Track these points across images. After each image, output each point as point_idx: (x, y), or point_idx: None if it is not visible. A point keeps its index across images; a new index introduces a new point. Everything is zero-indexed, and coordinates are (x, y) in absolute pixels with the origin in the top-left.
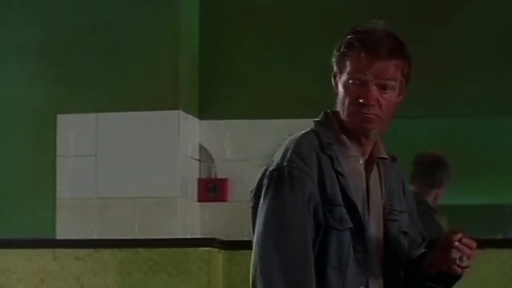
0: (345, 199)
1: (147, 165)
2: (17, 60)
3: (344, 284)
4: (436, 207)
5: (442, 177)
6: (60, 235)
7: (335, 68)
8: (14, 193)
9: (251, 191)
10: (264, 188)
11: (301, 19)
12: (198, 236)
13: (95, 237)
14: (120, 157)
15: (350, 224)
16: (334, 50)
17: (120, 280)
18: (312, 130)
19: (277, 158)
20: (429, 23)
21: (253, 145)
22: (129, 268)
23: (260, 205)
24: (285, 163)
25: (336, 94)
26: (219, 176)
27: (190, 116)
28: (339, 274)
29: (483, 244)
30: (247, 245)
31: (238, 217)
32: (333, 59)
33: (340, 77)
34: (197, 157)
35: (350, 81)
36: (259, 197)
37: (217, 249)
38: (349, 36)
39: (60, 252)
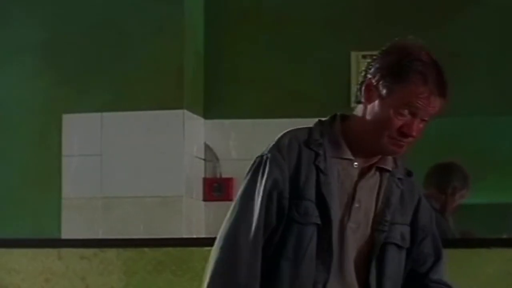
0: (318, 195)
1: (152, 165)
2: (22, 60)
3: (296, 277)
4: (445, 211)
5: (454, 184)
6: (65, 234)
7: (382, 87)
8: (19, 192)
9: None
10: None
11: (305, 19)
12: (203, 236)
13: (100, 236)
14: (125, 157)
15: (317, 220)
16: (382, 66)
17: (125, 280)
18: (308, 127)
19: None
20: (431, 22)
21: (258, 145)
22: (134, 267)
23: None
24: (265, 152)
25: (364, 102)
26: (224, 176)
27: (195, 116)
28: (292, 266)
29: (488, 243)
30: None
31: None
32: (381, 77)
33: (385, 98)
34: (202, 157)
35: (400, 111)
36: None
37: None
38: (408, 62)
39: (65, 251)
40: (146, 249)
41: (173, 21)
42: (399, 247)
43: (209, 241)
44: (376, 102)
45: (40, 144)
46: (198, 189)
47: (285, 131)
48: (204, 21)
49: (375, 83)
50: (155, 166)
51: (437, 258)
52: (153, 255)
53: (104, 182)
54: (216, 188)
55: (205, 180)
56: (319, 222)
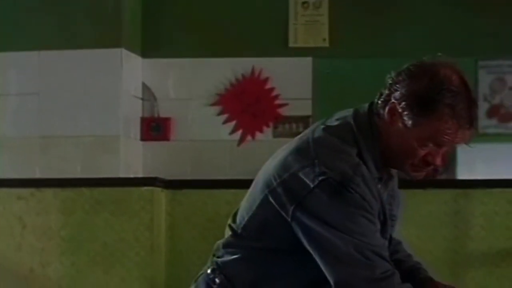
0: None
1: (90, 104)
2: None
3: None
4: None
5: None
6: (2, 174)
7: (407, 118)
8: None
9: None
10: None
11: None
12: (140, 175)
13: (37, 176)
14: (62, 96)
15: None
16: (408, 93)
17: (63, 219)
18: (357, 154)
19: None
20: None
21: (196, 84)
22: (71, 207)
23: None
24: (350, 188)
25: (386, 122)
26: (162, 115)
27: (133, 55)
28: None
29: (424, 184)
30: (189, 184)
31: (180, 156)
32: (407, 106)
33: (410, 129)
34: (140, 96)
35: (425, 143)
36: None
37: (159, 188)
38: (436, 94)
39: (2, 191)
40: (84, 189)
41: None
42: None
43: (147, 181)
44: (400, 128)
45: None
46: (136, 128)
47: (340, 151)
48: None
49: (400, 110)
50: (93, 105)
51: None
52: (91, 194)
53: (41, 121)
54: (154, 128)
55: (142, 119)
56: None
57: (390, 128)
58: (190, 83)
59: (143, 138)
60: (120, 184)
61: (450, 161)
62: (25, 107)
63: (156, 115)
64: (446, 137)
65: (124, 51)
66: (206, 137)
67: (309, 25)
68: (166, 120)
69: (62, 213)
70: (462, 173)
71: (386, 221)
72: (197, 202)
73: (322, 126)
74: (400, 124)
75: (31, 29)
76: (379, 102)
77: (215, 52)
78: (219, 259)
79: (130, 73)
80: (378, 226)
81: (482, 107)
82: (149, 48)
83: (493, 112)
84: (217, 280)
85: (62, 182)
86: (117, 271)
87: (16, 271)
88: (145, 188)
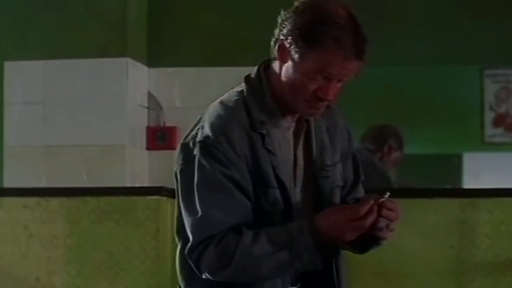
0: (276, 179)
1: (95, 113)
2: None
3: None
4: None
5: (390, 143)
6: (8, 183)
7: (294, 52)
8: None
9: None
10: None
11: None
12: (146, 185)
13: (43, 185)
14: (68, 105)
15: (282, 206)
16: (294, 27)
17: (69, 228)
18: (241, 99)
19: (205, 129)
20: None
21: (202, 93)
22: (77, 216)
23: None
24: (211, 140)
25: (278, 59)
26: (167, 124)
27: (138, 64)
28: None
29: (430, 193)
30: None
31: None
32: (293, 41)
33: (297, 63)
34: (146, 105)
35: (313, 76)
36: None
37: (165, 198)
38: (320, 26)
39: (8, 200)
40: (89, 198)
41: None
42: (340, 187)
43: (152, 190)
44: (289, 64)
45: None
46: (142, 137)
47: (220, 111)
48: None
49: (287, 46)
50: (98, 114)
51: (356, 179)
52: (97, 204)
53: (46, 130)
54: (159, 137)
55: (148, 128)
56: (283, 207)
57: (282, 67)
58: (196, 92)
59: (149, 147)
60: (125, 194)
61: (456, 171)
62: (30, 116)
63: (162, 124)
64: (333, 68)
65: (129, 60)
66: None
67: None
68: (172, 129)
69: (68, 222)
70: (468, 182)
71: (261, 171)
72: None
73: None
74: (289, 60)
75: (36, 38)
76: (272, 44)
77: (220, 61)
78: None
79: (135, 82)
80: (246, 181)
81: (488, 116)
82: (155, 57)
83: (499, 121)
84: None
85: (68, 191)
86: (122, 280)
87: (22, 280)
88: (151, 197)
